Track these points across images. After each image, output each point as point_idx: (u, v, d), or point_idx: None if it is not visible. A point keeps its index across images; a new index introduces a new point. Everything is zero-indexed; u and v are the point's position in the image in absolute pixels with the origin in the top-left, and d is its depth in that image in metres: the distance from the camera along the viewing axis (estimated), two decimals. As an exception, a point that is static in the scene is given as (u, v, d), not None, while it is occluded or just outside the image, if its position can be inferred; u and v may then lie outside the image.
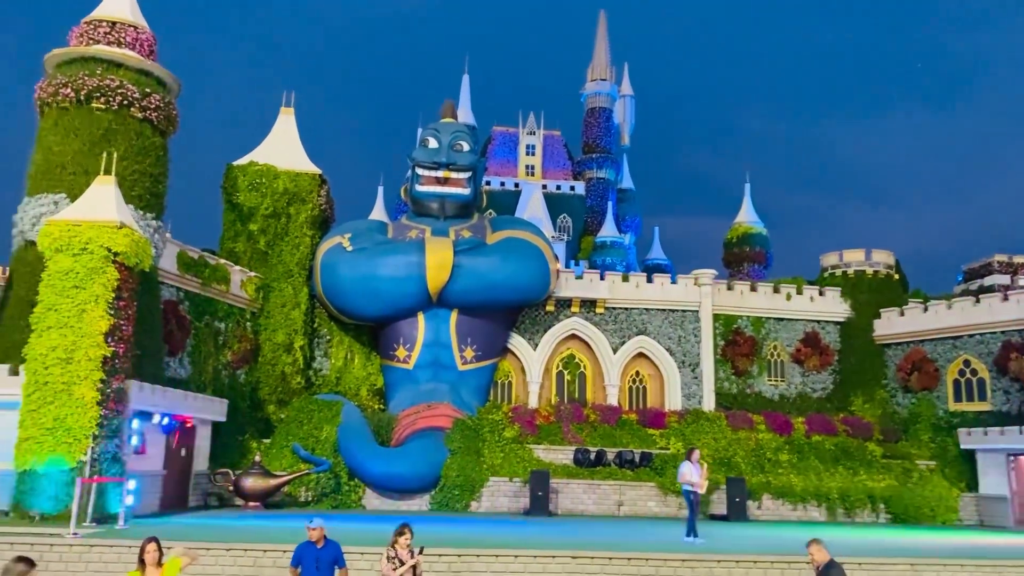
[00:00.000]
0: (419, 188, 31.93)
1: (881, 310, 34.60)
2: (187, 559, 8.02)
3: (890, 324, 34.18)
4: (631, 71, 58.74)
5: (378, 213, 45.78)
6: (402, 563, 8.92)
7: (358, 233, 30.82)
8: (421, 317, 30.26)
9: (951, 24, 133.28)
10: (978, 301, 31.75)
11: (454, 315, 30.33)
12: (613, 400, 32.61)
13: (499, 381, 32.85)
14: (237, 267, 29.40)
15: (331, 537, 9.27)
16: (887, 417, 32.64)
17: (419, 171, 31.87)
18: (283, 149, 32.21)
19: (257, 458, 24.78)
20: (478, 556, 14.60)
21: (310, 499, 25.38)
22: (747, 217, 48.41)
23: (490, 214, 43.43)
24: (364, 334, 32.06)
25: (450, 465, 26.05)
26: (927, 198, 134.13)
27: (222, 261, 28.66)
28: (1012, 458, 27.89)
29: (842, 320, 35.20)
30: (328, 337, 31.94)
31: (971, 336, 31.55)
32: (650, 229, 57.40)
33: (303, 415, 26.92)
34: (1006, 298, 30.98)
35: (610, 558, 14.66)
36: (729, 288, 35.03)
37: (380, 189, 47.45)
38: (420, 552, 9.12)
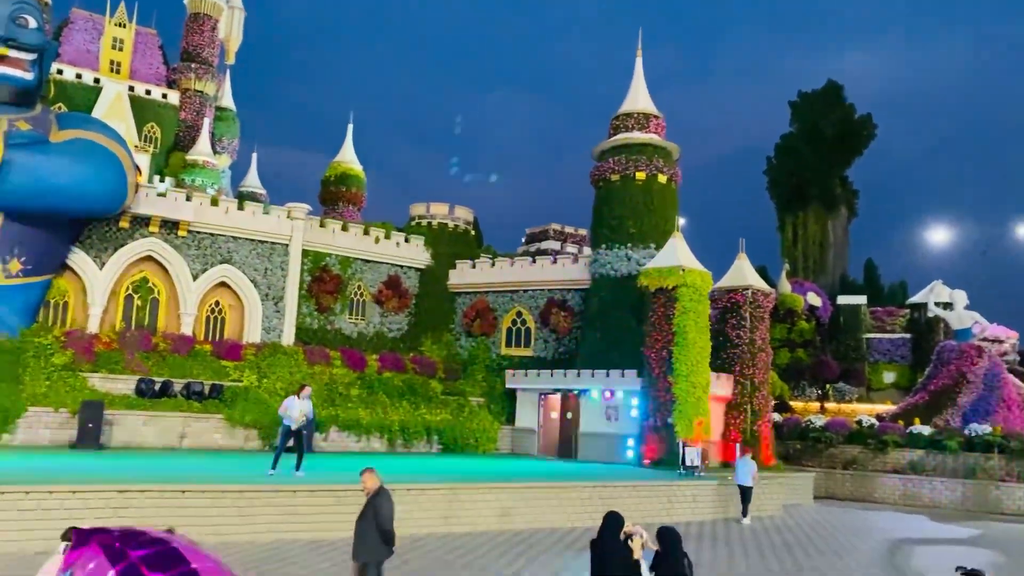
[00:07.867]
0: (-37, 62, 26.34)
1: (457, 261, 37.87)
2: None
3: (462, 275, 37.61)
4: (244, -18, 54.73)
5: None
6: None
7: None
8: (-47, 218, 25.31)
9: (547, 30, 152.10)
10: (534, 261, 36.45)
11: (-1, 219, 25.94)
12: (188, 330, 30.89)
13: (52, 301, 28.95)
14: None
15: None
16: (451, 358, 36.03)
17: (-35, 42, 26.27)
18: None
19: None
20: (3, 494, 12.88)
21: None
22: (347, 157, 48.85)
23: (59, 108, 37.66)
24: None
25: (-22, 393, 22.46)
26: (514, 168, 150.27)
27: None
28: (542, 397, 32.78)
29: (423, 267, 37.76)
30: None
31: (525, 291, 36.16)
32: (248, 155, 54.79)
33: None
34: (555, 261, 36.05)
35: (161, 491, 14.05)
36: (322, 225, 35.26)
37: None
38: None
